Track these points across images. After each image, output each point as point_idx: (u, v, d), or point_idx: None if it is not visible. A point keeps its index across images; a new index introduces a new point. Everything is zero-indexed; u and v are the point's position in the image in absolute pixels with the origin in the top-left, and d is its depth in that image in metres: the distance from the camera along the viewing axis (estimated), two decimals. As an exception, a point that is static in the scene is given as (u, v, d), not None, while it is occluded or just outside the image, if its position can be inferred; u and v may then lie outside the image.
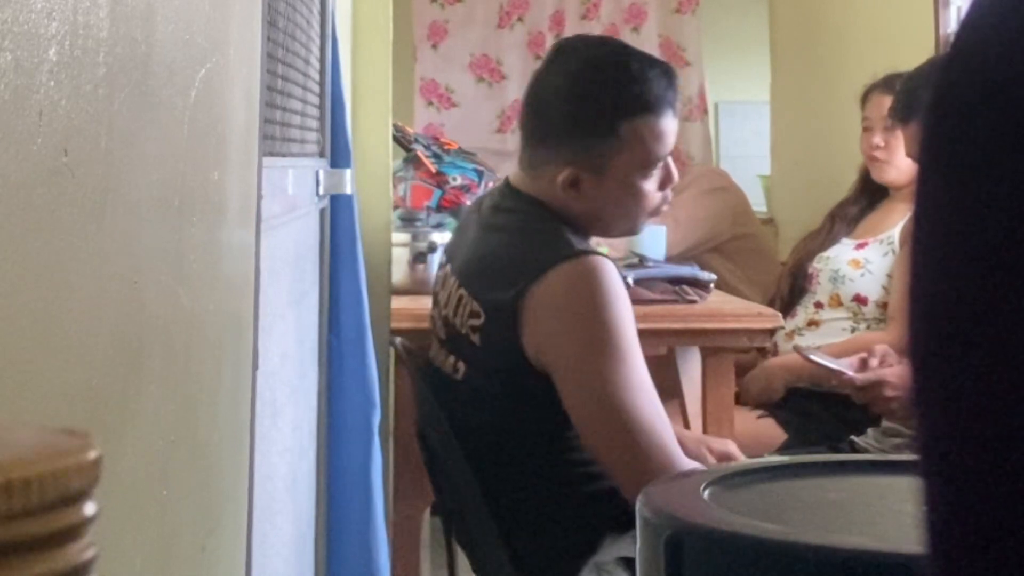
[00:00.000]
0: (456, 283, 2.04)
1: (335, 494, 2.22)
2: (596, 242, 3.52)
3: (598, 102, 1.98)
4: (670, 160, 2.04)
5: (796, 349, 2.72)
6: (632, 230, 2.13)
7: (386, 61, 2.82)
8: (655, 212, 2.08)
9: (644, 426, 1.85)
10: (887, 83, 3.17)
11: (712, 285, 2.78)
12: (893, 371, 2.36)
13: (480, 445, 1.97)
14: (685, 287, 2.71)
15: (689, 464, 1.88)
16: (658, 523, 1.17)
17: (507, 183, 2.11)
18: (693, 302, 2.69)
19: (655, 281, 2.71)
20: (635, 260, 2.95)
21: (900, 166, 3.14)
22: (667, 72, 2.03)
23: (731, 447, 2.17)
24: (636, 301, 2.67)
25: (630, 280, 2.68)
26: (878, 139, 3.17)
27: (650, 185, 2.01)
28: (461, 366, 2.00)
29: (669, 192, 2.07)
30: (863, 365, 2.41)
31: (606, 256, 1.95)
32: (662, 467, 1.83)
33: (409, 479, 2.65)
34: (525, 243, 1.97)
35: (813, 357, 2.49)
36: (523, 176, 2.08)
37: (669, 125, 2.00)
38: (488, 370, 1.96)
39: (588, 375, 1.87)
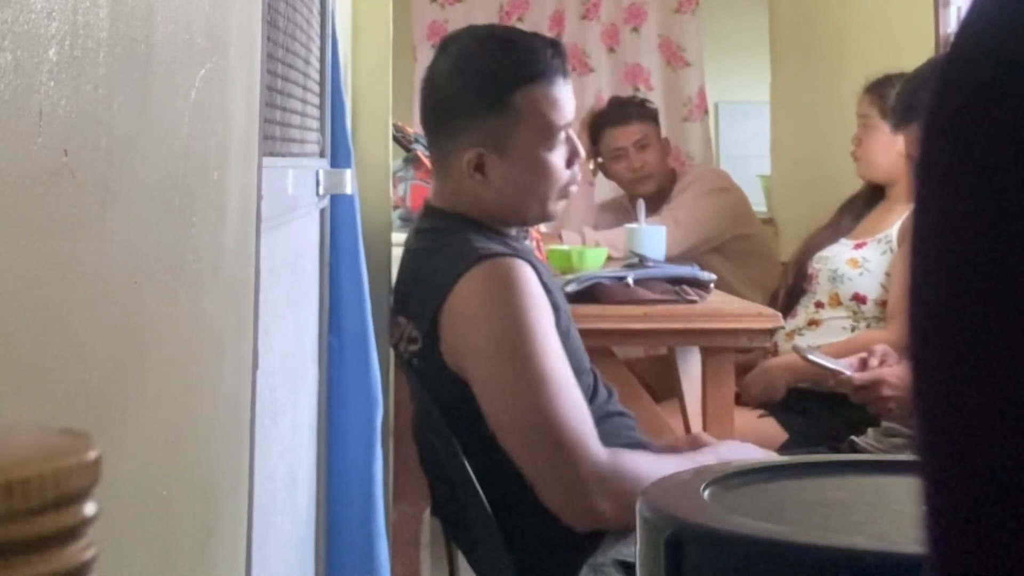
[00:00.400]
0: (397, 311, 2.06)
1: (335, 494, 2.22)
2: (595, 241, 3.54)
3: (490, 75, 2.00)
4: (572, 134, 2.05)
5: (795, 349, 2.72)
6: (546, 213, 2.08)
7: (386, 61, 2.82)
8: (565, 192, 2.07)
9: (557, 425, 1.83)
10: (876, 84, 3.20)
11: (712, 285, 2.78)
12: (892, 371, 2.36)
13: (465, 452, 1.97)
14: (685, 287, 2.71)
15: (603, 459, 1.84)
16: (658, 523, 1.17)
17: (425, 203, 2.13)
18: (693, 302, 2.69)
19: (655, 281, 2.71)
20: (635, 260, 2.95)
21: (872, 163, 3.19)
22: (553, 43, 2.07)
23: (702, 437, 2.13)
24: (636, 301, 2.68)
25: (630, 280, 2.68)
26: (854, 136, 3.23)
27: (556, 159, 2.02)
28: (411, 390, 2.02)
29: (577, 170, 2.07)
30: (863, 365, 2.41)
31: (520, 257, 1.92)
32: (576, 464, 1.82)
33: (409, 479, 2.64)
34: (436, 260, 1.98)
35: (811, 357, 2.50)
36: (436, 186, 2.09)
37: (563, 92, 2.02)
38: (430, 392, 1.98)
39: (495, 380, 1.86)
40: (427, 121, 2.08)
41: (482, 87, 1.99)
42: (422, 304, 1.95)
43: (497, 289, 1.87)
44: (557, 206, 2.08)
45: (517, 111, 1.98)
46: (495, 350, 1.86)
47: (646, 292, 2.68)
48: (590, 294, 2.66)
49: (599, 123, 3.95)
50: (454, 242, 1.98)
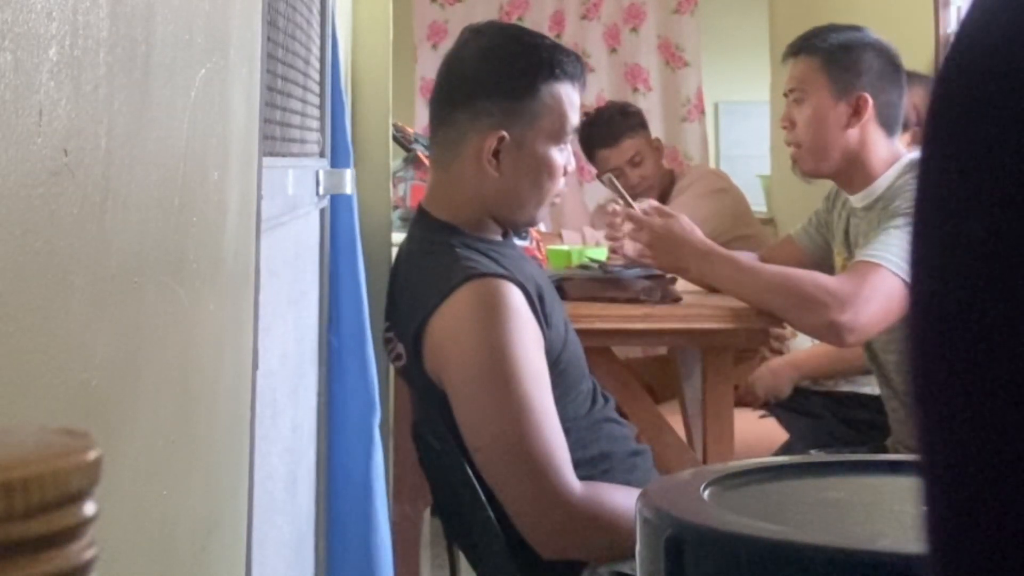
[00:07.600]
0: (387, 325, 2.06)
1: (335, 494, 2.22)
2: (595, 241, 3.54)
3: (523, 61, 2.01)
4: (569, 148, 2.06)
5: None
6: (535, 217, 2.08)
7: (386, 61, 2.82)
8: (551, 199, 2.06)
9: (533, 452, 1.82)
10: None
11: (676, 289, 2.68)
12: (664, 224, 2.46)
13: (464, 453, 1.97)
14: (650, 287, 2.65)
15: (576, 492, 1.84)
16: (658, 523, 1.17)
17: (419, 205, 2.12)
18: (644, 302, 2.62)
19: (624, 280, 2.68)
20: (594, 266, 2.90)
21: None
22: (578, 57, 2.09)
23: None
24: (601, 298, 2.65)
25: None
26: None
27: (561, 160, 2.02)
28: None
29: (563, 183, 2.07)
30: (657, 213, 2.50)
31: (508, 277, 1.90)
32: (548, 494, 1.82)
33: (409, 479, 2.64)
34: (423, 276, 1.97)
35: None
36: (433, 181, 2.08)
37: (578, 99, 2.05)
38: (418, 407, 1.98)
39: (474, 403, 1.86)
40: (445, 99, 2.05)
41: (514, 70, 2.00)
42: (407, 320, 1.95)
43: (482, 311, 1.85)
44: (541, 212, 2.08)
45: (542, 102, 1.99)
46: (476, 372, 1.84)
47: (612, 288, 2.64)
48: (560, 290, 2.63)
49: (590, 144, 3.94)
50: (441, 256, 1.96)
